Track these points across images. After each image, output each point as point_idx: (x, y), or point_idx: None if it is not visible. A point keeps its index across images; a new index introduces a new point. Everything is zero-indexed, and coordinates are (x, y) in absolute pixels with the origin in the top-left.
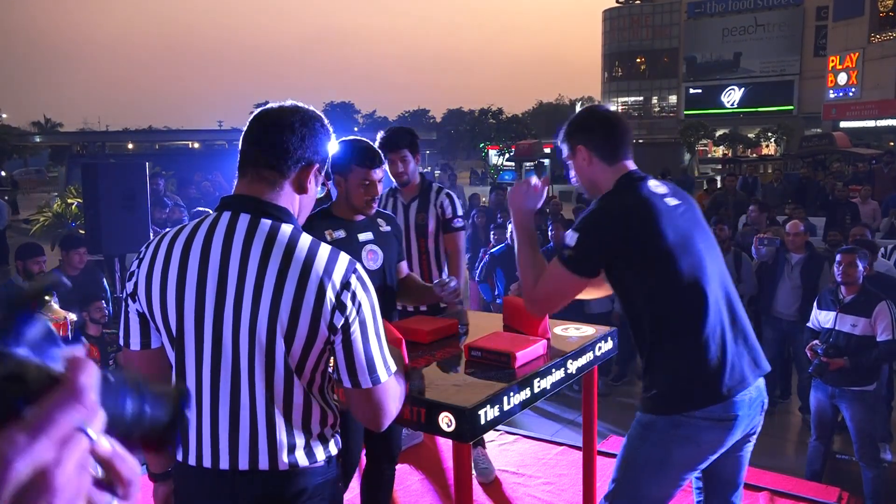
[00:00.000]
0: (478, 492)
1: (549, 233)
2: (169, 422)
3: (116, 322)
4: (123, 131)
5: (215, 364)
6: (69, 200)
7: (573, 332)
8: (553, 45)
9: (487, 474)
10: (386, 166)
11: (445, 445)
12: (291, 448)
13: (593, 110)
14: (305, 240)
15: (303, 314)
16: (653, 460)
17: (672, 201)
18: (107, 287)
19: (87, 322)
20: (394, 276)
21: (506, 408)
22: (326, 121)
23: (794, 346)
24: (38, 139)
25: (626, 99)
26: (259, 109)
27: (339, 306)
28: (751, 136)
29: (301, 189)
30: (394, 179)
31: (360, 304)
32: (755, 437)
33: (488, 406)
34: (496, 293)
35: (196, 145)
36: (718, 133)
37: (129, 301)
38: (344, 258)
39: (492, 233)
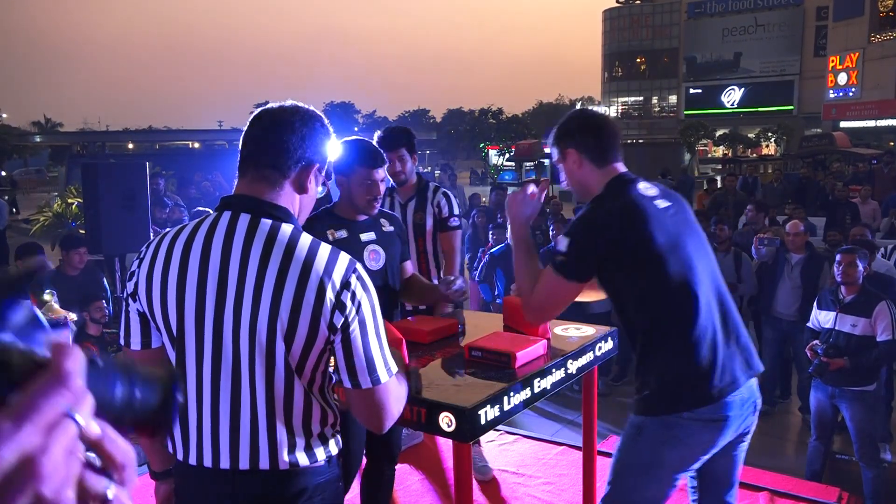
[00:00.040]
0: (478, 492)
1: (551, 233)
2: (160, 406)
3: (117, 322)
4: (123, 131)
5: (216, 364)
6: (69, 200)
7: (573, 332)
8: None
9: (485, 472)
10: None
11: (445, 445)
12: (292, 447)
13: (582, 113)
14: (305, 239)
15: (303, 314)
16: (645, 461)
17: (662, 203)
18: (107, 287)
19: (87, 322)
20: (396, 277)
21: (506, 408)
22: (326, 121)
23: (794, 346)
24: (38, 139)
25: (626, 99)
26: (259, 109)
27: (339, 306)
28: (751, 136)
29: (301, 189)
30: (391, 179)
31: (359, 304)
32: (749, 436)
33: (488, 406)
34: (496, 293)
35: (196, 145)
36: (718, 133)
37: (130, 301)
38: (344, 258)
39: (490, 233)
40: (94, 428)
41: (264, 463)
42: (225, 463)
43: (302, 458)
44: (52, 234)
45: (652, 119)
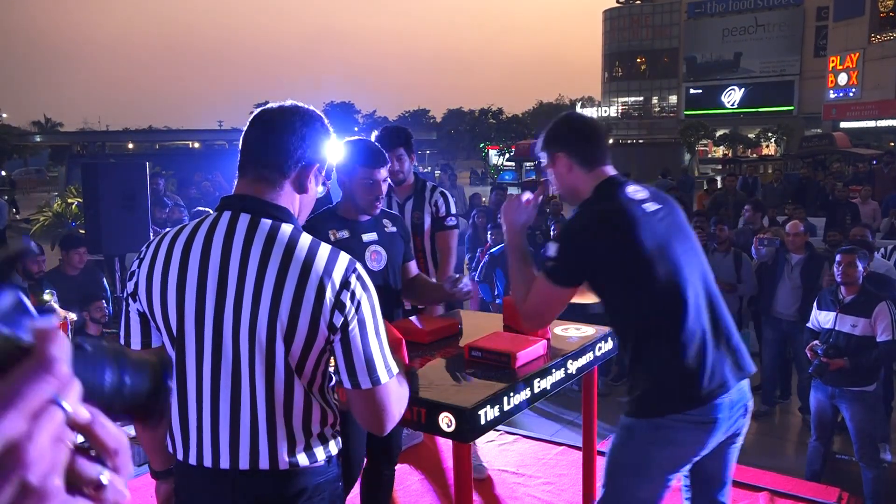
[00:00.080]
0: (478, 492)
1: (552, 232)
2: (150, 392)
3: (117, 322)
4: (123, 131)
5: (216, 363)
6: (69, 200)
7: (573, 332)
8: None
9: (481, 471)
10: None
11: (445, 445)
12: (292, 448)
13: (570, 118)
14: (305, 239)
15: (302, 314)
16: (636, 462)
17: (651, 207)
18: (107, 287)
19: (87, 322)
20: (398, 277)
21: (506, 408)
22: (326, 120)
23: (794, 346)
24: (38, 139)
25: (626, 99)
26: (259, 109)
27: (339, 305)
28: (751, 136)
29: (301, 189)
30: (389, 178)
31: (359, 303)
32: (740, 438)
33: (488, 406)
34: (496, 293)
35: (196, 145)
36: (718, 133)
37: (130, 301)
38: (344, 258)
39: (489, 233)
40: (84, 413)
41: (264, 463)
42: (225, 463)
43: (302, 459)
44: (52, 234)
45: (652, 119)
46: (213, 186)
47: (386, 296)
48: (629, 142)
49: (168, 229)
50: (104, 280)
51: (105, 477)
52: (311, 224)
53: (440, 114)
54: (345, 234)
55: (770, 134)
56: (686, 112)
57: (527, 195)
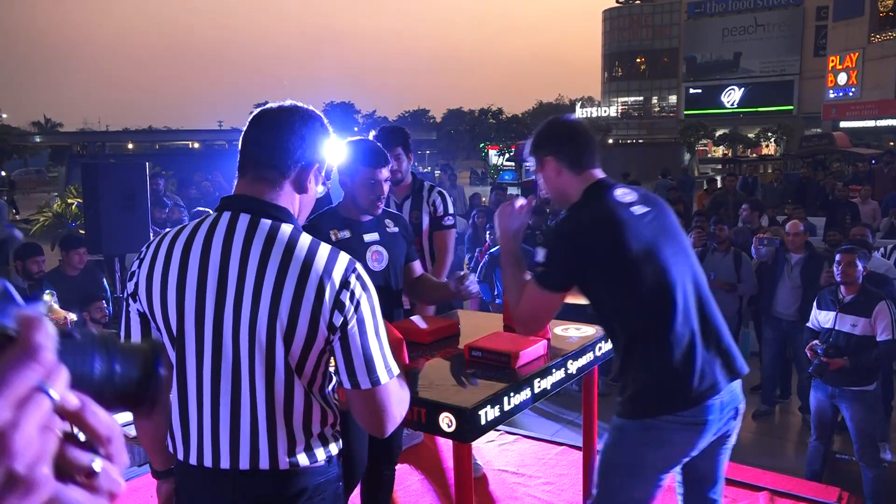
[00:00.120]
0: (478, 492)
1: None
2: (142, 380)
3: (117, 322)
4: (123, 131)
5: (216, 364)
6: (69, 200)
7: (573, 332)
8: (553, 45)
9: (476, 470)
10: None
11: (445, 445)
12: (292, 448)
13: (558, 121)
14: (305, 239)
15: (302, 314)
16: (626, 463)
17: (639, 209)
18: (107, 287)
19: (87, 322)
20: (399, 278)
21: (506, 408)
22: (326, 120)
23: (794, 346)
24: (38, 139)
25: (626, 99)
26: (258, 109)
27: (338, 305)
28: (751, 136)
29: (301, 189)
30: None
31: (358, 303)
32: (731, 439)
33: (489, 406)
34: (496, 293)
35: (196, 145)
36: (718, 133)
37: (130, 301)
38: (344, 257)
39: (488, 233)
40: (73, 400)
41: (264, 463)
42: (225, 463)
43: (302, 459)
44: (52, 235)
45: (652, 119)
46: (213, 186)
47: (387, 296)
48: (629, 142)
49: (168, 229)
50: (104, 280)
51: (97, 464)
52: (313, 223)
53: (440, 114)
54: (346, 233)
55: (770, 134)
56: (686, 112)
57: (520, 201)
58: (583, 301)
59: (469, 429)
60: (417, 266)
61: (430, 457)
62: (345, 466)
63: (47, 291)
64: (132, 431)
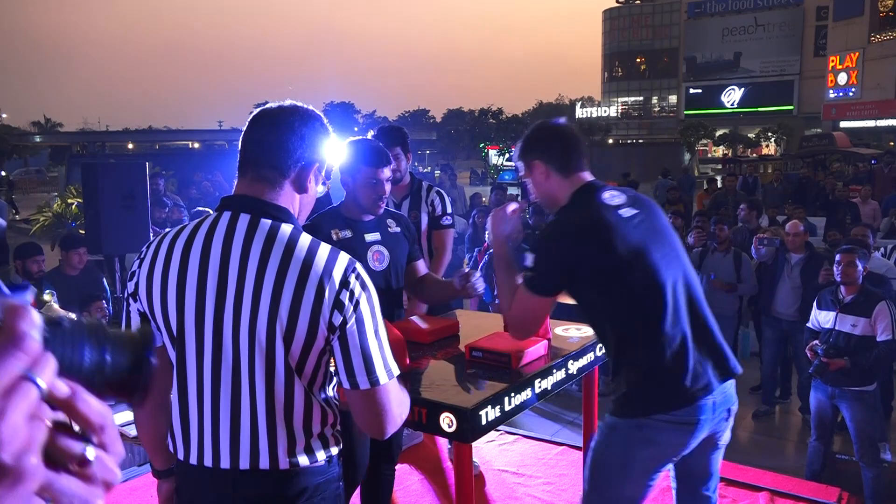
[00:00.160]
0: (478, 492)
1: None
2: (132, 368)
3: (117, 322)
4: (123, 131)
5: (216, 363)
6: (69, 200)
7: (574, 332)
8: (553, 45)
9: (473, 468)
10: None
11: (445, 445)
12: (292, 448)
13: (545, 125)
14: (305, 239)
15: (302, 313)
16: (617, 461)
17: (627, 212)
18: (107, 287)
19: None
20: (400, 278)
21: (507, 408)
22: (326, 120)
23: (794, 346)
24: (38, 139)
25: (626, 99)
26: (258, 109)
27: (338, 305)
28: (751, 136)
29: (301, 189)
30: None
31: (357, 303)
32: (723, 439)
33: (489, 406)
34: (496, 293)
35: (196, 145)
36: (718, 133)
37: (131, 300)
38: (343, 257)
39: (486, 233)
40: (62, 388)
41: (264, 463)
42: (225, 463)
43: (302, 458)
44: (52, 234)
45: (652, 119)
46: (213, 186)
47: (387, 296)
48: (629, 142)
49: (168, 229)
50: (104, 280)
51: (90, 452)
52: (315, 223)
53: (440, 114)
54: (347, 233)
55: (770, 134)
56: (686, 112)
57: (512, 206)
58: (573, 301)
59: (470, 429)
60: (421, 265)
61: (430, 457)
62: (346, 467)
63: (47, 291)
64: (132, 431)
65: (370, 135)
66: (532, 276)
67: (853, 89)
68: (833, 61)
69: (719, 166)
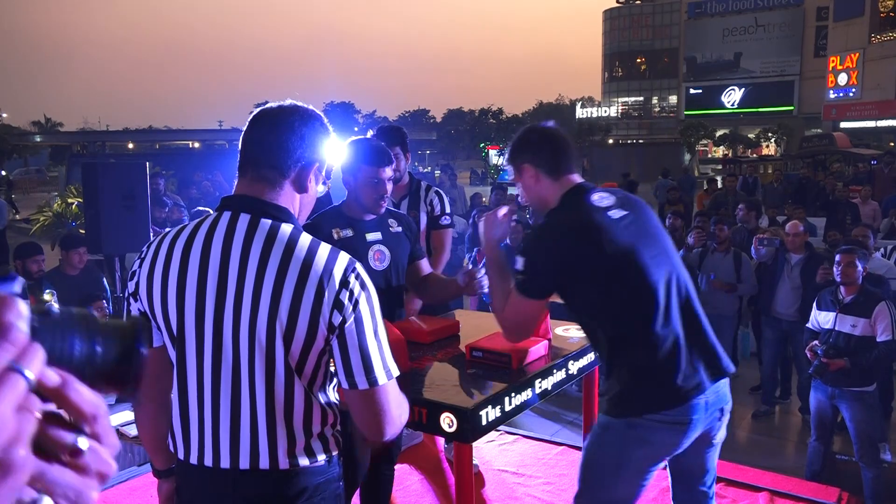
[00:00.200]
0: (477, 492)
1: None
2: (122, 357)
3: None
4: (123, 131)
5: (216, 363)
6: (69, 200)
7: (574, 332)
8: (553, 45)
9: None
10: None
11: (442, 444)
12: (292, 447)
13: (534, 129)
14: (305, 239)
15: (301, 313)
16: (609, 461)
17: (617, 213)
18: (107, 286)
19: None
20: (401, 278)
21: (507, 408)
22: (326, 120)
23: (794, 346)
24: (38, 139)
25: (626, 99)
26: (258, 109)
27: (338, 305)
28: (751, 136)
29: (301, 188)
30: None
31: (357, 303)
32: (717, 437)
33: (489, 406)
34: None
35: (196, 145)
36: (718, 133)
37: (131, 300)
38: (343, 257)
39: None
40: (52, 378)
41: (264, 463)
42: (225, 462)
43: (302, 458)
44: (52, 234)
45: (652, 119)
46: (213, 186)
47: (388, 296)
48: (629, 142)
49: (168, 229)
50: (104, 280)
51: (83, 442)
52: (316, 222)
53: (440, 114)
54: (348, 232)
55: (770, 134)
56: (686, 112)
57: (503, 209)
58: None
59: (470, 429)
60: (425, 264)
61: (429, 457)
62: (347, 467)
63: (47, 291)
64: (133, 431)
65: (369, 134)
66: (522, 279)
67: (853, 90)
68: (833, 62)
69: (719, 166)
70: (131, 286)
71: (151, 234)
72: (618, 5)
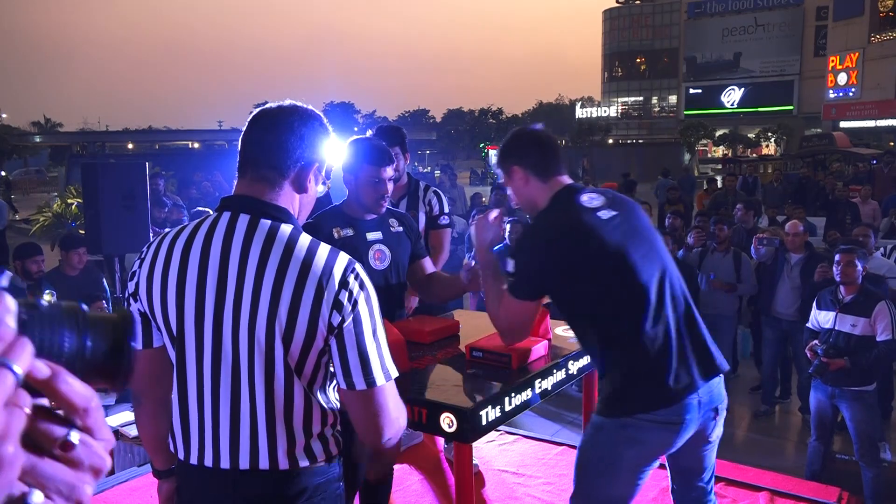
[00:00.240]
0: (477, 492)
1: None
2: (112, 351)
3: None
4: (123, 131)
5: (216, 363)
6: (69, 200)
7: None
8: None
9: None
10: None
11: (441, 443)
12: (292, 448)
13: (522, 131)
14: (305, 240)
15: (301, 313)
16: (603, 461)
17: (606, 214)
18: (106, 287)
19: None
20: (402, 278)
21: (507, 408)
22: (325, 120)
23: (794, 346)
24: (38, 139)
25: (626, 99)
26: (258, 109)
27: (337, 305)
28: (751, 136)
29: (301, 189)
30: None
31: (356, 303)
32: (713, 435)
33: (489, 406)
34: None
35: (196, 145)
36: (718, 133)
37: (131, 300)
38: (343, 257)
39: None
40: (42, 370)
41: (264, 463)
42: (225, 463)
43: (302, 459)
44: (51, 235)
45: (652, 119)
46: (213, 186)
47: (388, 296)
48: (629, 142)
49: (168, 229)
50: (104, 280)
51: (74, 436)
52: (316, 221)
53: (440, 114)
54: (349, 232)
55: (770, 134)
56: (686, 112)
57: (494, 212)
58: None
59: (470, 429)
60: (427, 263)
61: (429, 457)
62: (348, 467)
63: (47, 291)
64: (133, 431)
65: (369, 134)
66: (514, 281)
67: (853, 89)
68: (833, 61)
69: (719, 166)
70: (131, 287)
71: (151, 235)
72: (618, 5)
